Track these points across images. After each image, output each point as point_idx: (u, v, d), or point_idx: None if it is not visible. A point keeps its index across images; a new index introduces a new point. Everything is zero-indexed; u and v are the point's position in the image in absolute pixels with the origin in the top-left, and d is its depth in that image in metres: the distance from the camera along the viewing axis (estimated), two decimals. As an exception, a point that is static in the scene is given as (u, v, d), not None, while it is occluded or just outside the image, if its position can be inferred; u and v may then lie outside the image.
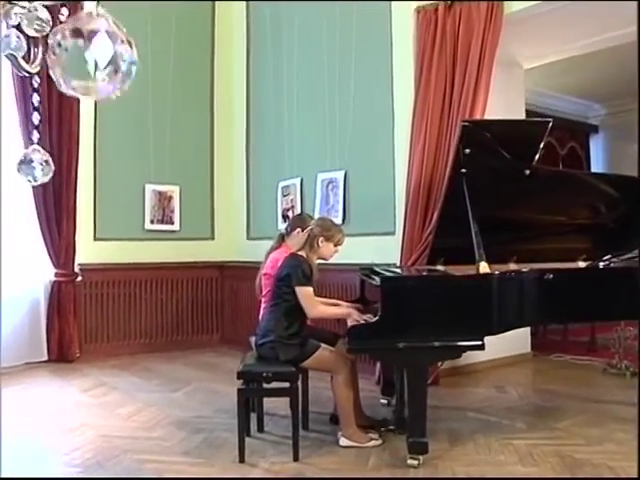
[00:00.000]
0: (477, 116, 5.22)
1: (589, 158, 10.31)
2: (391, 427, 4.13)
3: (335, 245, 4.08)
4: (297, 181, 6.98)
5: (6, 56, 0.90)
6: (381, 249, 5.88)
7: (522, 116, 7.04)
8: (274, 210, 7.28)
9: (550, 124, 3.90)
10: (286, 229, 4.52)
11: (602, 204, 4.81)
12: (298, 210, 6.92)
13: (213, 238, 7.87)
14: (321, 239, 4.00)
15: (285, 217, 7.09)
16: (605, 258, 4.22)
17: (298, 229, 4.44)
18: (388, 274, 4.06)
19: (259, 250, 7.34)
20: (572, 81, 8.85)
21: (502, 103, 6.12)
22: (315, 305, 3.85)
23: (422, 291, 3.55)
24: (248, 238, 7.78)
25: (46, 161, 0.74)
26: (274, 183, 7.30)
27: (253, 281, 6.96)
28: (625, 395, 4.92)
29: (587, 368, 6.13)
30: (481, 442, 3.93)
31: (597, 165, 10.34)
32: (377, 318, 3.50)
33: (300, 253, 3.98)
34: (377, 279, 3.88)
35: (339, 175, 6.45)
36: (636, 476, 3.25)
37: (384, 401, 4.85)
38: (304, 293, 3.81)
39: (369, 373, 5.43)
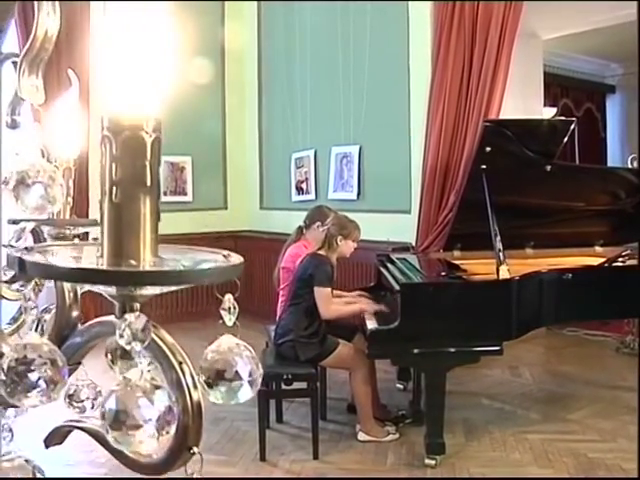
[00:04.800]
0: (497, 95, 5.14)
1: (605, 120, 10.13)
2: (408, 421, 4.20)
3: (353, 241, 4.09)
4: (311, 153, 6.92)
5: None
6: (396, 228, 5.84)
7: (540, 85, 6.93)
8: (287, 181, 7.24)
9: (573, 124, 3.84)
10: (305, 222, 4.51)
11: (622, 191, 4.78)
12: (312, 183, 6.89)
13: (226, 208, 7.87)
14: (339, 238, 4.00)
15: (299, 189, 7.07)
16: (624, 254, 4.20)
17: (317, 222, 4.41)
18: (406, 270, 4.07)
19: (272, 220, 7.43)
20: (589, 40, 8.62)
21: (520, 74, 5.99)
22: (330, 307, 3.91)
23: (441, 297, 3.57)
24: (261, 208, 7.78)
25: (94, 398, 0.74)
26: (287, 154, 7.24)
27: (267, 251, 7.06)
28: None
29: (600, 345, 6.17)
30: (496, 436, 4.01)
31: (613, 127, 10.16)
32: (396, 324, 3.52)
33: (321, 253, 3.99)
34: (397, 277, 3.91)
35: (353, 150, 6.39)
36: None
37: (400, 386, 4.92)
38: (323, 294, 3.85)
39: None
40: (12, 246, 0.66)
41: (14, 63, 0.68)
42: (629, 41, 8.59)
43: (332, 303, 3.94)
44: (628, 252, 4.24)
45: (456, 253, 4.78)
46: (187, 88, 7.45)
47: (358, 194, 6.33)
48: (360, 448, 3.88)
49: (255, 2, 7.74)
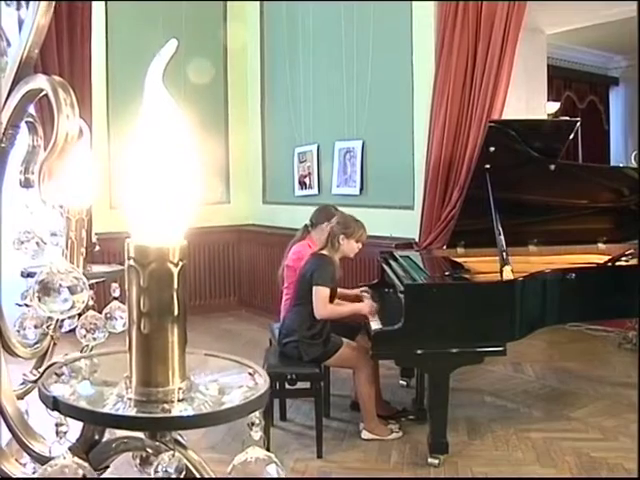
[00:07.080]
0: (500, 91, 5.12)
1: (608, 112, 10.11)
2: (411, 417, 4.23)
3: (357, 241, 4.07)
4: (314, 148, 6.91)
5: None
6: (399, 223, 5.86)
7: (544, 80, 6.92)
8: (290, 175, 7.24)
9: (577, 124, 3.84)
10: (311, 221, 4.51)
11: (625, 189, 4.78)
12: (315, 177, 6.89)
13: (229, 202, 7.86)
14: (342, 237, 3.99)
15: (302, 184, 7.07)
16: (627, 252, 4.21)
17: (325, 222, 4.39)
18: (410, 269, 4.07)
19: (275, 214, 7.43)
20: (592, 33, 8.58)
21: (524, 69, 5.99)
22: (325, 306, 3.88)
23: (446, 298, 3.59)
24: (264, 202, 7.78)
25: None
26: (290, 148, 7.24)
27: (269, 245, 7.08)
28: None
29: (602, 340, 6.17)
30: (499, 434, 4.03)
31: (616, 119, 10.14)
32: (400, 325, 3.54)
33: (324, 252, 3.99)
34: (401, 276, 3.92)
35: (357, 145, 6.38)
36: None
37: (403, 382, 4.94)
38: (320, 293, 3.85)
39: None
40: (27, 305, 0.67)
41: (27, 123, 0.69)
42: (633, 34, 8.56)
43: (327, 304, 3.90)
44: (631, 251, 4.24)
45: (459, 250, 4.79)
46: (188, 82, 7.45)
47: (361, 189, 6.33)
48: (364, 447, 3.90)
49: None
